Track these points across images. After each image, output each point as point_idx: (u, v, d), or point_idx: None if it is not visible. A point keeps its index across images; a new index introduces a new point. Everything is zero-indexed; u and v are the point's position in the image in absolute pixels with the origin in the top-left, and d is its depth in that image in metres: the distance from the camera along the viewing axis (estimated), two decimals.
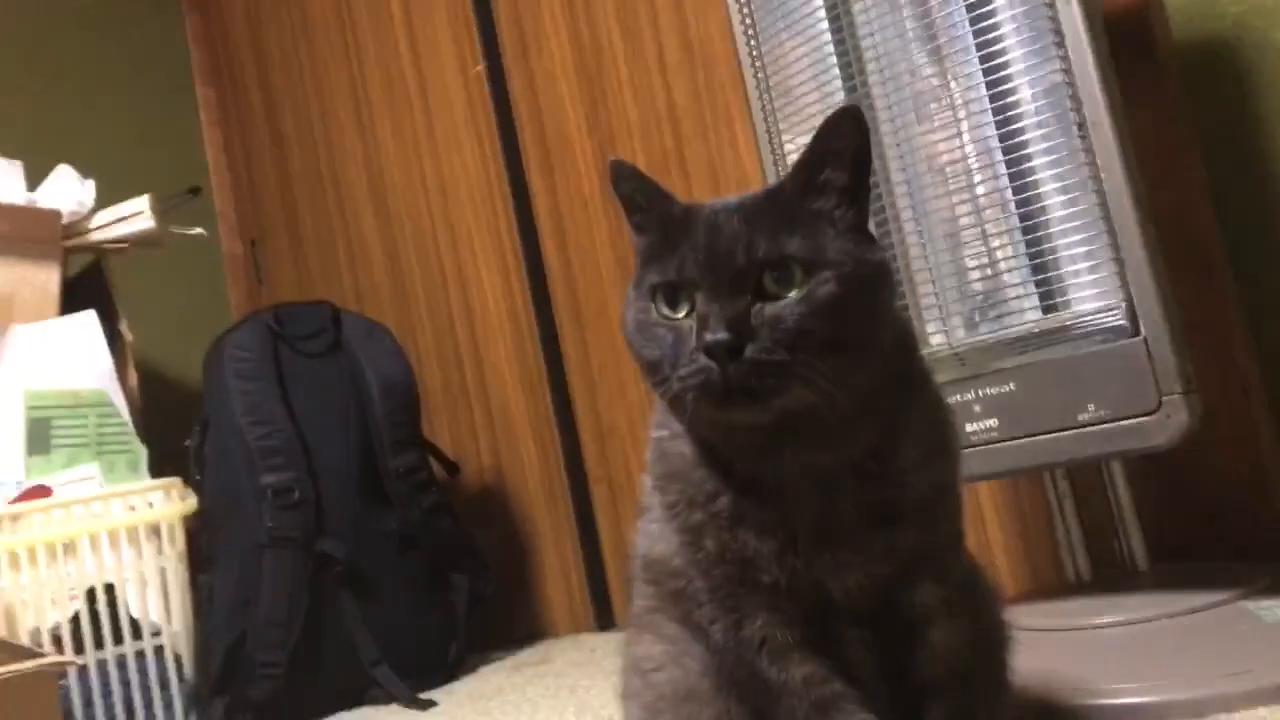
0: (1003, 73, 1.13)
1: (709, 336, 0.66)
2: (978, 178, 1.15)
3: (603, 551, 2.23)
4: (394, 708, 1.83)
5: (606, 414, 2.25)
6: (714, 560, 0.74)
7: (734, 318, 0.67)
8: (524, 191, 2.34)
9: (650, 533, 0.83)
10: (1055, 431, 1.11)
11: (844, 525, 0.72)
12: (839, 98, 1.28)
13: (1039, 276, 1.13)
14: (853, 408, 0.69)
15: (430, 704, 1.79)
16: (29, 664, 1.55)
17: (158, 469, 2.10)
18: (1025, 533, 1.50)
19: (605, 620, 2.20)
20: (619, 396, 2.21)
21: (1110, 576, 1.29)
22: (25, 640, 1.81)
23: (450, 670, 2.00)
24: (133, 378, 2.24)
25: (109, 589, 1.90)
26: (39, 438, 2.06)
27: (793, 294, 0.68)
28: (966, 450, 1.17)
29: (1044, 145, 1.11)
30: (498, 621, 2.28)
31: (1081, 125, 1.07)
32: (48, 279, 2.19)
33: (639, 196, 0.75)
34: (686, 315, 0.70)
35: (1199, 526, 1.35)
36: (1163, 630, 1.10)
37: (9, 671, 1.51)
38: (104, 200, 2.31)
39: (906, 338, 0.77)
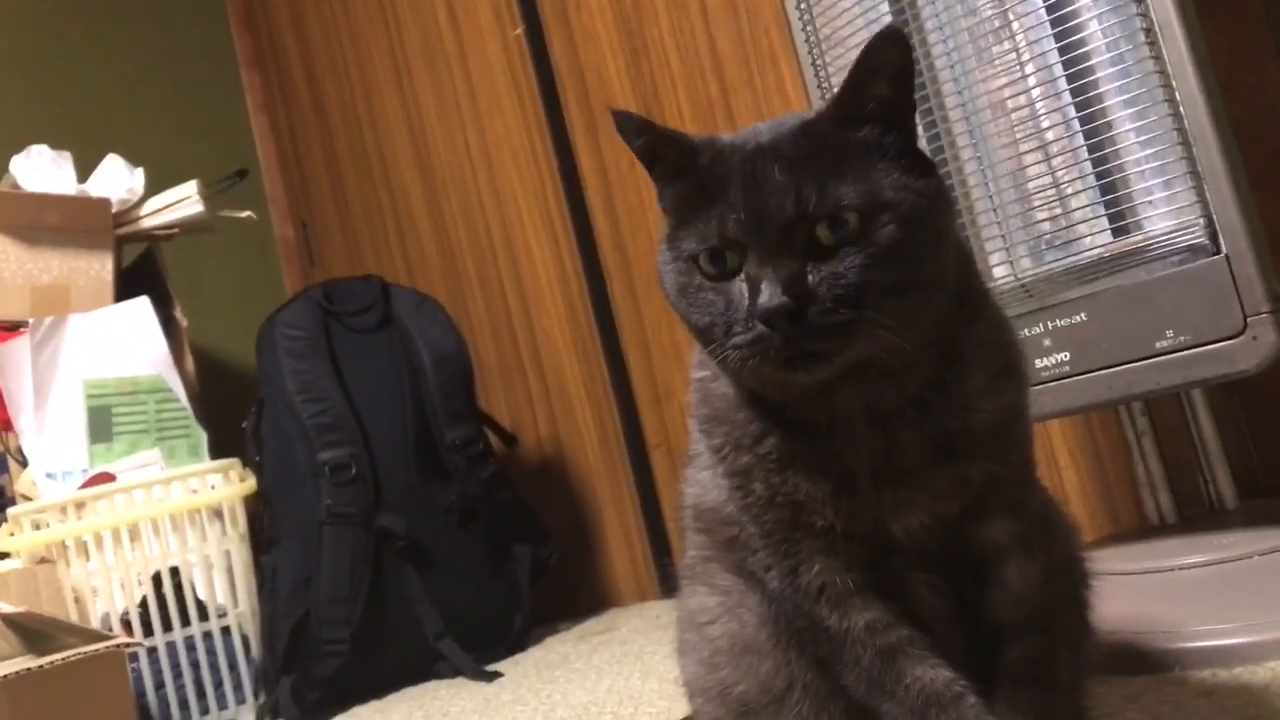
0: None
1: (764, 302, 0.61)
2: (1038, 95, 1.08)
3: (664, 517, 2.19)
4: (460, 681, 1.82)
5: (662, 377, 2.20)
6: (764, 505, 0.70)
7: (789, 279, 0.61)
8: (569, 153, 2.30)
9: (700, 480, 0.79)
10: (1131, 362, 1.04)
11: (905, 461, 0.67)
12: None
13: (1109, 197, 1.05)
14: (918, 344, 0.64)
15: (496, 675, 1.77)
16: (99, 645, 1.57)
17: (217, 452, 2.10)
18: (1102, 475, 1.43)
19: (670, 587, 2.15)
20: (674, 359, 2.16)
21: (1196, 516, 1.21)
22: (96, 626, 1.83)
23: (515, 642, 1.98)
24: (189, 362, 2.25)
25: (174, 572, 1.91)
26: (100, 426, 2.07)
27: (850, 245, 0.62)
28: (1037, 387, 1.11)
29: (1109, 55, 1.03)
30: (562, 593, 2.26)
31: (1149, 30, 1.00)
32: (101, 268, 2.20)
33: (655, 147, 0.68)
34: (734, 277, 0.64)
35: None
36: (1255, 568, 1.03)
37: (81, 653, 1.52)
38: (154, 188, 2.32)
39: (965, 257, 0.71)
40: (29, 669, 1.47)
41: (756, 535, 0.71)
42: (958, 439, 0.66)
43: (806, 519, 0.68)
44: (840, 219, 0.62)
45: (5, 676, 1.45)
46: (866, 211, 0.62)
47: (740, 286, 0.63)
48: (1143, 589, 1.06)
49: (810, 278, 0.61)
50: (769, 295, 0.61)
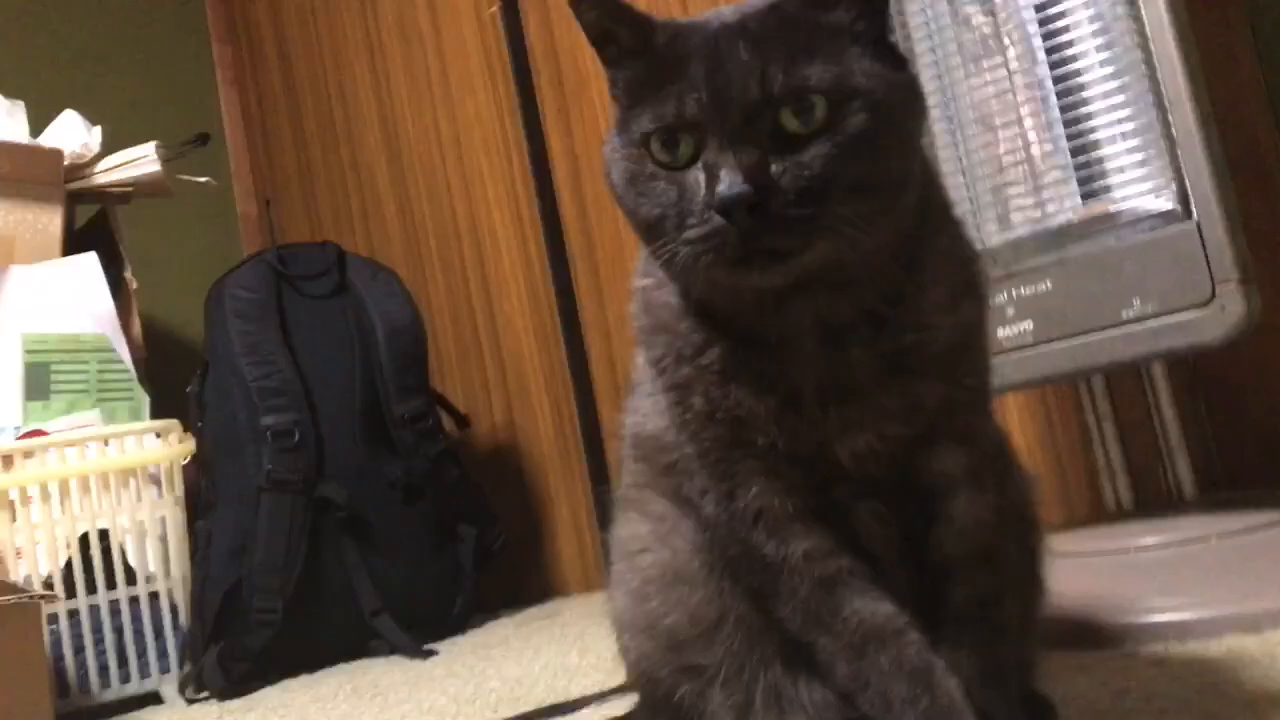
0: None
1: (722, 191, 0.56)
2: (1011, 55, 1.05)
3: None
4: (395, 659, 1.76)
5: (623, 368, 2.16)
6: (703, 421, 0.65)
7: (751, 168, 0.56)
8: (539, 137, 2.25)
9: (640, 409, 0.75)
10: (1096, 331, 1.01)
11: (855, 379, 0.62)
12: None
13: (1079, 159, 1.03)
14: (879, 252, 0.60)
15: (431, 653, 1.72)
16: (13, 597, 1.50)
17: (159, 418, 2.03)
18: (1060, 465, 1.40)
19: None
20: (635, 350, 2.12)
21: (1154, 504, 1.18)
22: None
23: (454, 624, 1.92)
24: (136, 326, 2.18)
25: (103, 535, 1.83)
26: (38, 383, 2.00)
27: (817, 134, 0.57)
28: (998, 357, 1.07)
29: (1087, 14, 1.01)
30: (508, 582, 2.20)
31: None
32: (50, 221, 2.13)
33: (609, 22, 0.63)
34: (690, 164, 0.59)
35: (1252, 454, 1.24)
36: (1211, 550, 1.00)
37: None
38: (112, 151, 2.25)
39: (929, 166, 0.67)
40: None
41: (693, 455, 0.67)
42: (912, 356, 0.63)
43: (747, 437, 0.64)
44: (807, 103, 0.57)
45: None
46: (835, 97, 0.58)
47: (696, 175, 0.59)
48: (1097, 569, 1.03)
49: (774, 167, 0.57)
50: (728, 183, 0.56)
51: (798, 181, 0.57)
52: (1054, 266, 1.04)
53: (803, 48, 0.59)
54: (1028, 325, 1.05)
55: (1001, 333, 1.07)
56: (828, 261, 0.59)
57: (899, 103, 0.60)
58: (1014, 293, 1.06)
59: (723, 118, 0.58)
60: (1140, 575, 0.99)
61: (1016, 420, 1.44)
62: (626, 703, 0.94)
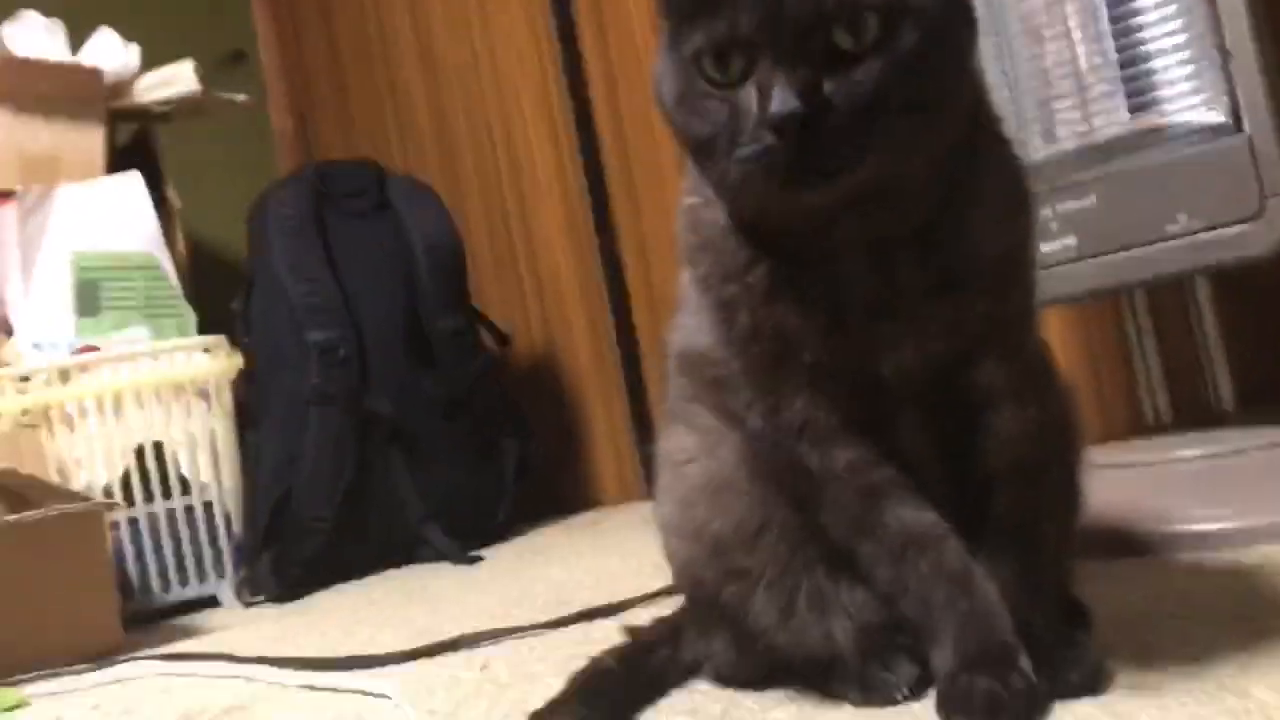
0: None
1: (776, 109, 0.56)
2: None
3: (653, 421, 2.18)
4: (442, 566, 1.81)
5: (659, 281, 2.17)
6: (749, 337, 0.67)
7: (804, 86, 0.57)
8: (575, 52, 2.24)
9: (686, 325, 0.76)
10: (1140, 246, 1.01)
11: (901, 295, 0.64)
12: None
13: (1127, 71, 1.01)
14: (929, 169, 0.61)
15: (478, 559, 1.77)
16: (79, 505, 1.57)
17: (205, 334, 2.07)
18: (1098, 378, 1.41)
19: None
20: (672, 262, 2.12)
21: (1193, 417, 1.19)
22: None
23: (498, 533, 1.98)
24: (180, 243, 2.21)
25: (158, 446, 1.89)
26: (88, 299, 2.04)
27: (870, 52, 0.57)
28: (1043, 272, 1.08)
29: None
30: (548, 491, 2.25)
31: None
32: (93, 140, 2.15)
33: None
34: (741, 83, 0.59)
35: None
36: (1250, 462, 1.01)
37: (61, 510, 1.52)
38: (148, 69, 2.26)
39: (976, 83, 0.67)
40: (8, 522, 1.47)
41: (739, 371, 0.69)
42: (958, 273, 0.64)
43: (792, 353, 0.66)
44: (860, 20, 0.57)
45: None
46: (888, 14, 0.57)
47: (748, 94, 0.59)
48: (1134, 480, 1.04)
49: (826, 85, 0.57)
50: (781, 101, 0.56)
51: (850, 100, 0.57)
52: (1099, 181, 1.03)
53: None
54: (1071, 240, 1.05)
55: (1045, 248, 1.06)
56: (878, 179, 0.59)
57: (951, 20, 0.60)
58: (1058, 208, 1.06)
59: (775, 35, 0.58)
60: (1177, 486, 1.01)
61: (1057, 333, 1.44)
62: (669, 605, 0.97)
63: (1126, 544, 0.93)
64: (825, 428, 0.67)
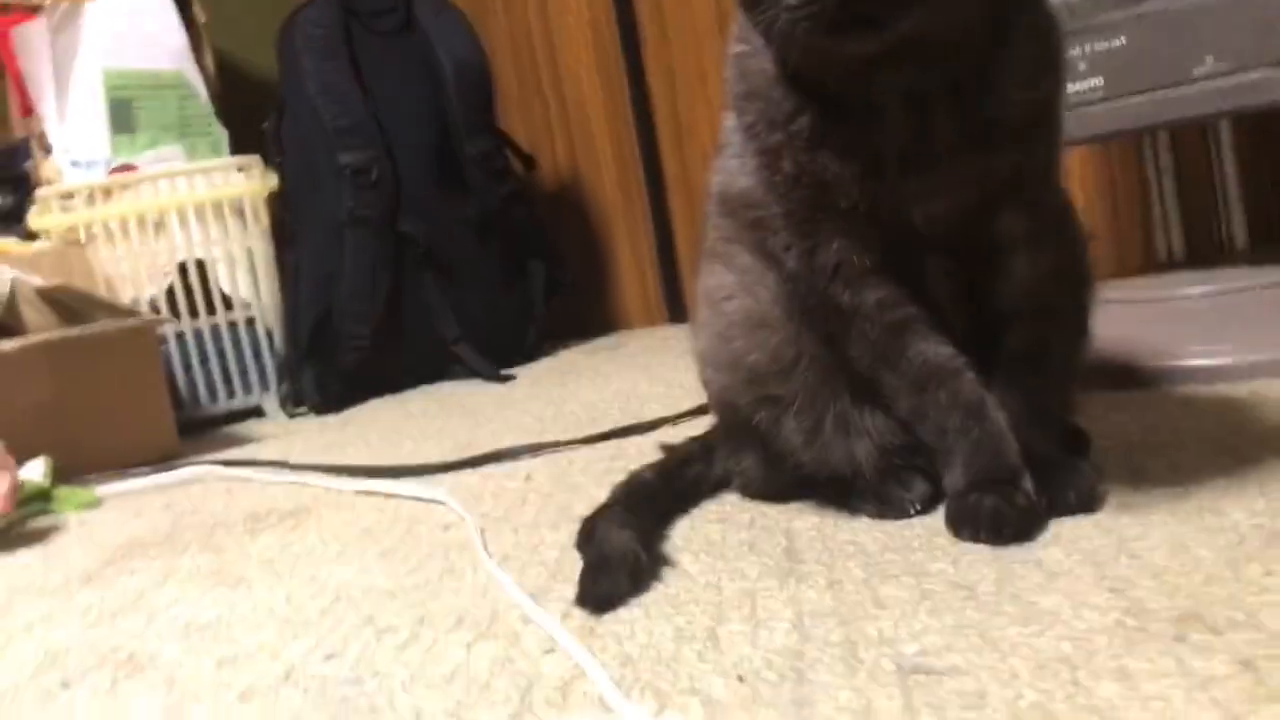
0: None
1: None
2: None
3: (677, 248, 2.23)
4: (474, 382, 1.90)
5: (686, 112, 2.18)
6: (791, 183, 0.71)
7: None
8: None
9: (728, 168, 0.80)
10: (1167, 88, 1.03)
11: (935, 147, 0.67)
12: None
13: None
14: (968, 22, 0.63)
15: (509, 377, 1.86)
16: (131, 319, 1.64)
17: (238, 153, 2.10)
18: (1117, 216, 1.44)
19: (677, 314, 2.23)
20: (699, 93, 2.13)
21: (1206, 255, 1.24)
22: None
23: (528, 353, 2.06)
24: (209, 60, 2.22)
25: (199, 264, 1.96)
26: (122, 117, 2.07)
27: None
28: (1068, 111, 1.10)
29: None
30: (573, 316, 2.33)
31: None
32: None
33: None
34: None
35: None
36: (1255, 299, 1.06)
37: (115, 324, 1.59)
38: None
39: None
40: (67, 335, 1.54)
41: (780, 215, 0.73)
42: (991, 128, 0.67)
43: (830, 199, 0.70)
44: None
45: (46, 340, 1.53)
46: None
47: None
48: (1141, 315, 1.10)
49: None
50: None
51: None
52: (1129, 21, 1.05)
53: None
54: (1099, 81, 1.07)
55: (1072, 88, 1.09)
56: (920, 30, 0.62)
57: None
58: (1087, 48, 1.07)
59: None
60: (1181, 322, 1.06)
61: (1079, 172, 1.47)
62: (696, 426, 1.05)
63: (1129, 377, 1.00)
64: (858, 269, 0.72)
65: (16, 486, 1.24)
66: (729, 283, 0.80)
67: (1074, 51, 1.09)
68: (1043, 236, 0.72)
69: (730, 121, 0.77)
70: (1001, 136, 0.68)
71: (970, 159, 0.68)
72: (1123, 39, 1.05)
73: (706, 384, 0.85)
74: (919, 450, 0.75)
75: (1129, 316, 1.09)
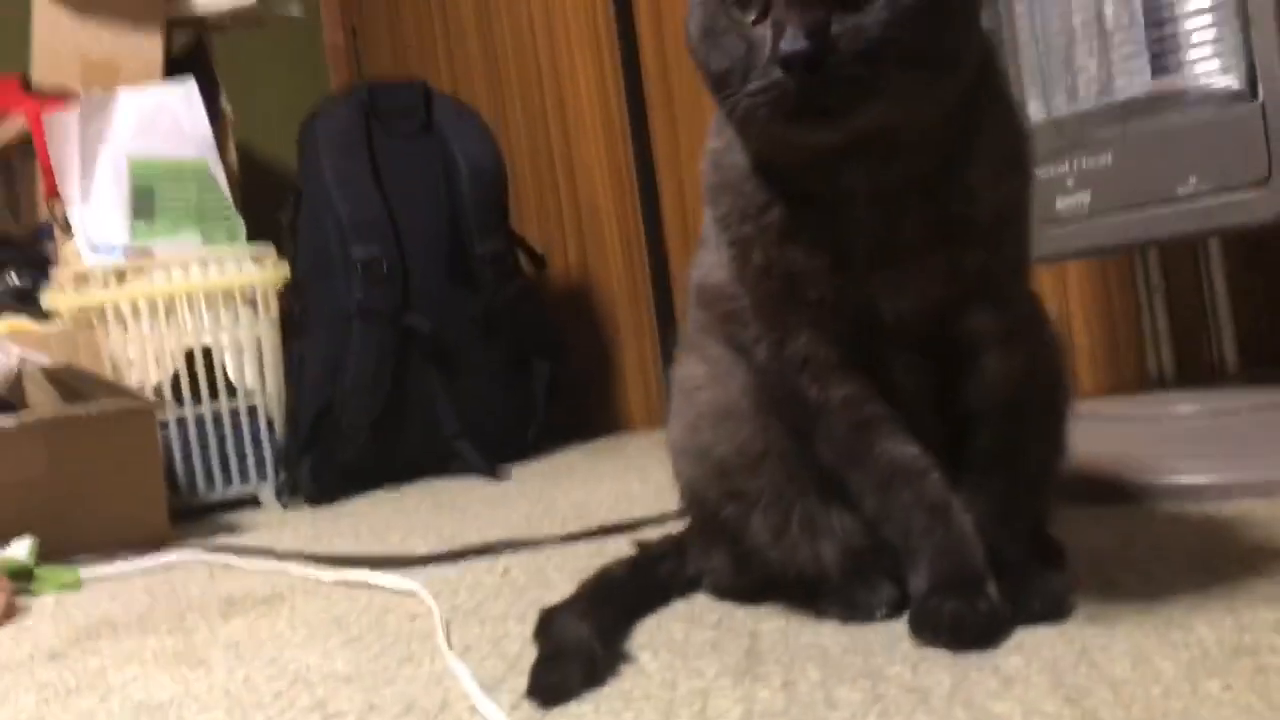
0: None
1: (784, 46, 0.61)
2: None
3: None
4: (472, 479, 1.90)
5: (694, 215, 2.20)
6: (761, 274, 0.72)
7: (813, 26, 0.61)
8: None
9: (706, 262, 0.81)
10: (1152, 205, 1.04)
11: (902, 242, 0.68)
12: None
13: (1152, 34, 1.04)
14: (931, 120, 0.65)
15: (505, 475, 1.85)
16: (132, 402, 1.65)
17: (252, 243, 2.14)
18: (1113, 333, 1.44)
19: None
20: None
21: (1196, 375, 1.23)
22: None
23: (527, 451, 2.06)
24: (232, 152, 2.28)
25: (206, 351, 1.98)
26: (143, 204, 2.12)
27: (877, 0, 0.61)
28: (1055, 227, 1.12)
29: None
30: (576, 414, 2.33)
31: None
32: (151, 46, 2.21)
33: None
34: (760, 21, 0.64)
35: None
36: (1242, 421, 1.05)
37: (115, 404, 1.61)
38: None
39: (985, 41, 0.71)
40: (65, 415, 1.56)
41: (750, 305, 0.74)
42: (957, 225, 0.68)
43: (800, 291, 0.70)
44: None
45: (43, 419, 1.54)
46: None
47: (764, 31, 0.63)
48: (1128, 431, 1.09)
49: (834, 28, 0.61)
50: (791, 40, 0.61)
51: (855, 42, 0.61)
52: (1116, 140, 1.06)
53: None
54: (1086, 196, 1.08)
55: (1060, 202, 1.10)
56: (880, 125, 0.63)
57: None
58: (1075, 164, 1.09)
59: None
60: (1168, 439, 1.05)
61: (1075, 289, 1.47)
62: (681, 525, 1.04)
63: (1113, 492, 0.98)
64: (825, 363, 0.72)
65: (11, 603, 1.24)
66: (700, 374, 0.80)
67: (1062, 167, 1.11)
68: (1014, 336, 0.72)
69: (708, 215, 0.78)
70: (969, 233, 0.68)
71: (938, 255, 0.68)
72: (1109, 156, 1.07)
73: (677, 476, 0.85)
74: (886, 551, 0.73)
75: (1117, 432, 1.08)
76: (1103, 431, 1.09)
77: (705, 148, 0.77)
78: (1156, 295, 1.24)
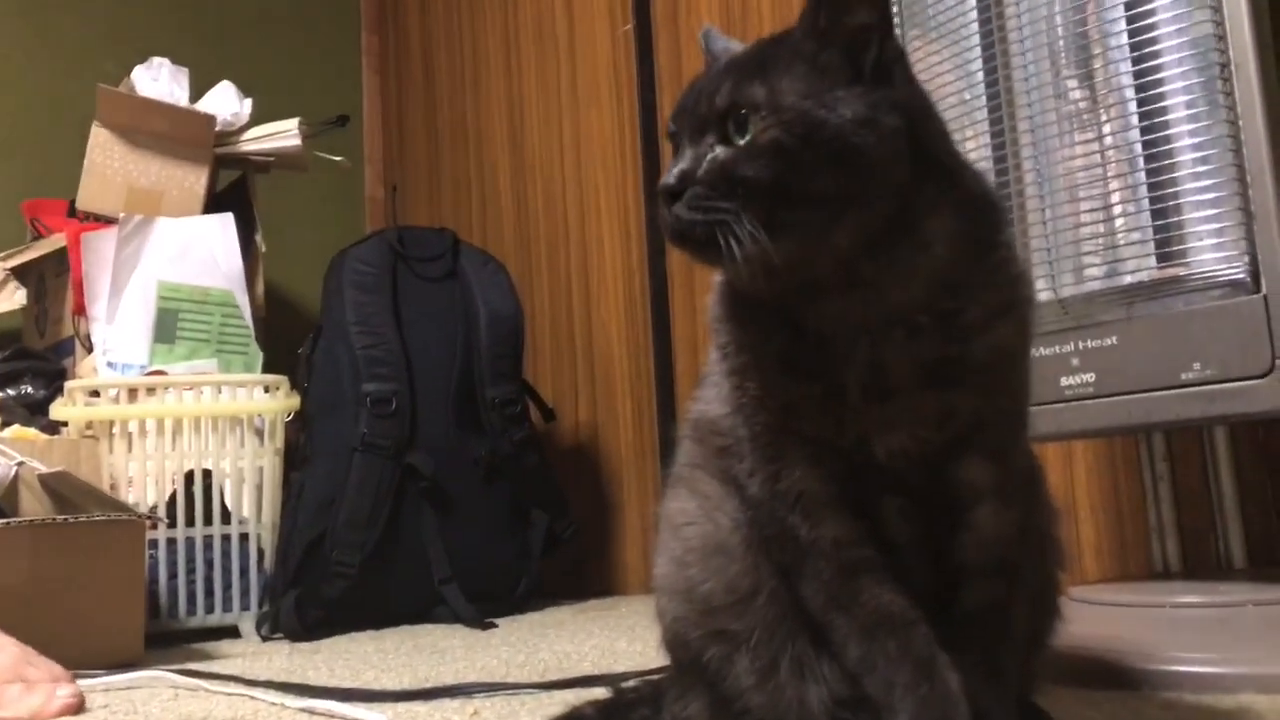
0: (1145, 6, 1.07)
1: (661, 181, 0.67)
2: (1104, 116, 1.10)
3: None
4: (457, 627, 1.85)
5: None
6: (756, 405, 0.72)
7: (687, 163, 0.67)
8: (655, 158, 2.35)
9: (705, 396, 0.81)
10: (1155, 390, 1.05)
11: (893, 381, 0.68)
12: (975, 52, 1.24)
13: (1159, 223, 1.07)
14: (850, 261, 0.65)
15: (491, 625, 1.80)
16: (122, 514, 1.64)
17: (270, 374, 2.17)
18: (1120, 522, 1.42)
19: None
20: None
21: (1202, 568, 1.21)
22: None
23: (517, 604, 2.01)
24: (260, 286, 2.33)
25: (206, 474, 1.97)
26: (166, 327, 2.16)
27: (740, 141, 0.66)
28: (1058, 405, 1.12)
29: (1181, 84, 1.05)
30: (572, 572, 2.29)
31: (1224, 66, 1.01)
32: (196, 180, 2.30)
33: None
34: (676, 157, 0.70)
35: None
36: (1246, 615, 1.02)
37: (104, 516, 1.59)
38: (259, 122, 2.41)
39: (986, 200, 0.72)
40: (53, 520, 1.54)
41: (746, 438, 0.73)
42: (949, 368, 0.68)
43: (795, 425, 0.70)
44: (740, 117, 0.66)
45: (31, 523, 1.52)
46: (761, 112, 0.65)
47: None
48: (1127, 618, 1.06)
49: (701, 166, 0.66)
50: (668, 174, 0.67)
51: (709, 177, 0.65)
52: (1121, 323, 1.08)
53: (759, 71, 0.67)
54: (1090, 377, 1.09)
55: (1064, 381, 1.11)
56: (785, 259, 0.64)
57: (840, 128, 0.64)
58: (1081, 344, 1.10)
59: (687, 126, 0.68)
60: (1170, 629, 1.02)
61: (1084, 475, 1.46)
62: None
63: (1110, 677, 0.95)
64: (818, 500, 0.70)
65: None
66: (690, 508, 0.79)
67: (1068, 347, 1.12)
68: (1009, 492, 0.71)
69: (713, 350, 0.79)
70: (959, 377, 0.68)
71: (928, 396, 0.68)
72: (1114, 338, 1.08)
73: (660, 614, 0.82)
74: (868, 706, 0.70)
75: (1117, 618, 1.05)
76: (1103, 615, 1.07)
77: (713, 281, 0.78)
78: (1162, 484, 1.23)
